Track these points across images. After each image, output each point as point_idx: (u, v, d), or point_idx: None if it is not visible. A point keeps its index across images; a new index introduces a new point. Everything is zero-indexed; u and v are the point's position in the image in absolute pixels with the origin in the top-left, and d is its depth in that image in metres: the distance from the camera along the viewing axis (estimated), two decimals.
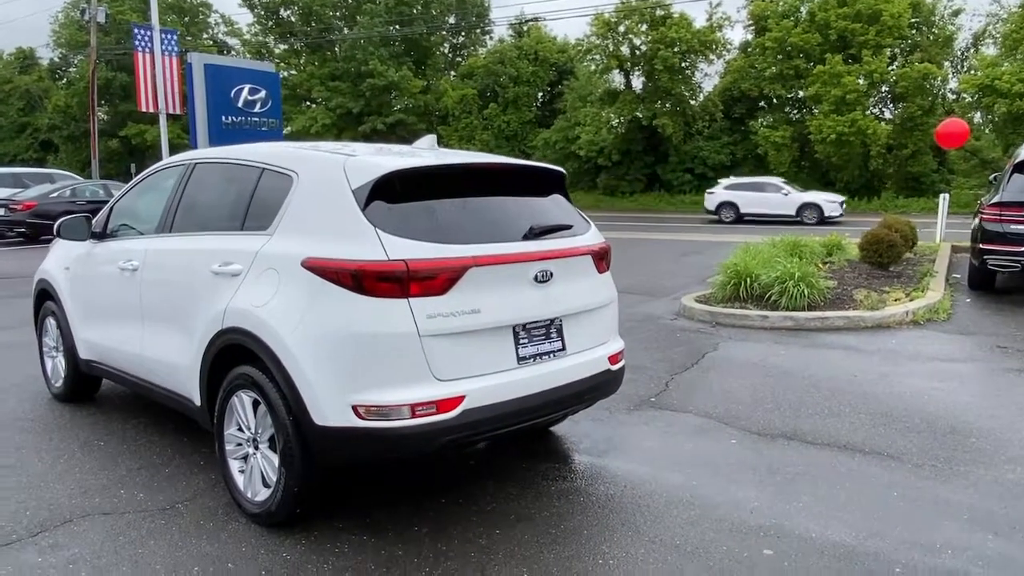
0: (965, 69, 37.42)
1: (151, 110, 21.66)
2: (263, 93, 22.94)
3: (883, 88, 35.39)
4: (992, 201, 9.13)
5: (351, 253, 3.07)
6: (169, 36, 22.00)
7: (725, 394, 5.39)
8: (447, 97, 42.71)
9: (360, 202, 3.17)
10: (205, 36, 46.91)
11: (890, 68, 34.31)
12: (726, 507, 3.58)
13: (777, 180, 28.22)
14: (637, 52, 36.96)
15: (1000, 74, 29.48)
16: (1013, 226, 8.77)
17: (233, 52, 45.36)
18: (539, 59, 43.80)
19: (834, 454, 4.24)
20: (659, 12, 35.65)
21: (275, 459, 3.31)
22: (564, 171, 3.94)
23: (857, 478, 3.92)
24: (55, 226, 4.81)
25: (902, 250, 10.00)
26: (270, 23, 44.17)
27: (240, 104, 22.15)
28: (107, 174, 33.51)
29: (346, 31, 43.39)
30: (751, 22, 37.76)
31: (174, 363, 3.96)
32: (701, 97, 38.51)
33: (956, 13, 36.12)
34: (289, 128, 39.33)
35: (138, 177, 4.79)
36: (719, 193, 27.27)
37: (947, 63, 36.96)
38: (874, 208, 32.67)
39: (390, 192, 3.22)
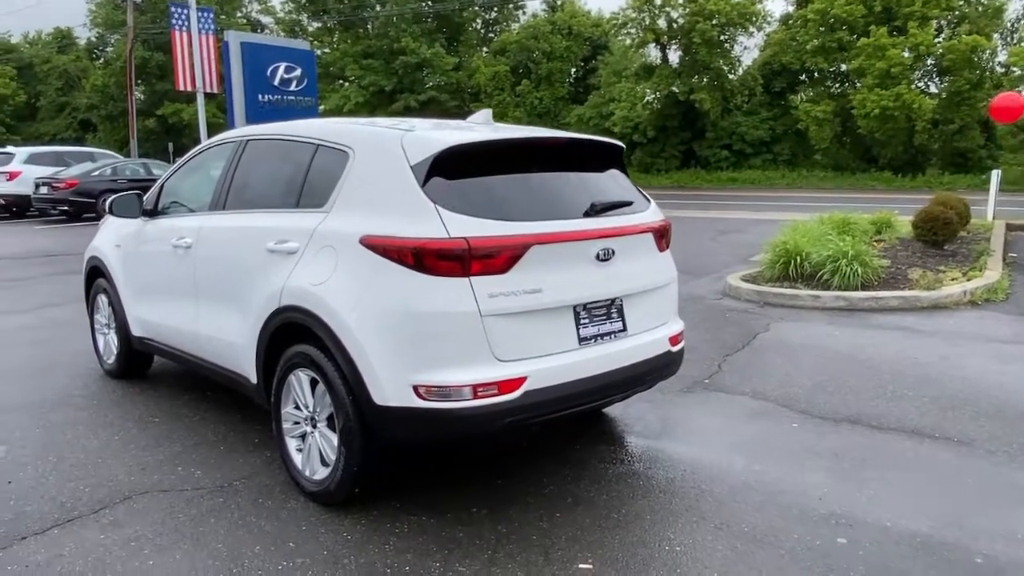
0: (1015, 41, 36.14)
1: (188, 89, 21.81)
2: (299, 71, 22.99)
3: (929, 61, 34.35)
4: None
5: (411, 231, 3.00)
6: (206, 14, 22.06)
7: (782, 377, 5.25)
8: (480, 74, 42.40)
9: (419, 178, 3.08)
10: (239, 15, 47.04)
11: (936, 40, 33.27)
12: (793, 493, 3.47)
13: None
14: (674, 25, 36.29)
15: None
16: None
17: (267, 30, 45.53)
18: (573, 34, 43.24)
19: (901, 439, 4.10)
20: None
21: (334, 438, 3.27)
22: (623, 145, 3.81)
23: (928, 464, 3.78)
24: (107, 203, 4.81)
25: (957, 228, 9.69)
26: (303, 1, 44.14)
27: (276, 82, 22.21)
28: (144, 153, 33.91)
29: (378, 8, 43.21)
30: None
31: (229, 341, 3.94)
32: (740, 71, 37.72)
33: None
34: (322, 107, 39.41)
35: (188, 155, 4.76)
36: None
37: (996, 35, 35.71)
38: (918, 185, 31.85)
39: (449, 168, 3.13)
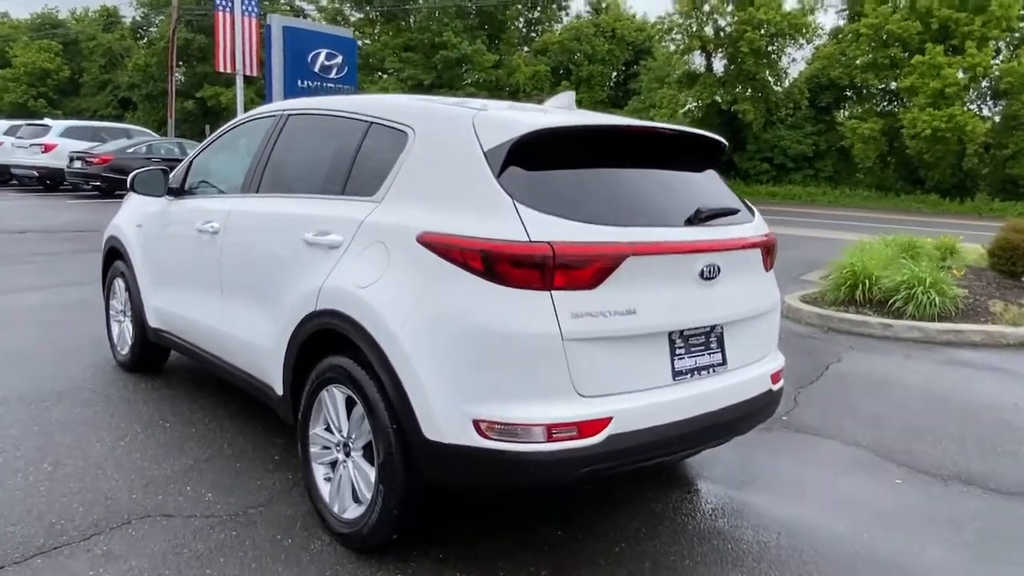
0: None
1: (228, 71, 21.52)
2: (339, 59, 22.64)
3: (983, 83, 33.24)
4: None
5: (481, 229, 2.45)
6: None
7: (870, 418, 4.63)
8: (519, 73, 41.86)
9: (494, 166, 2.54)
10: (283, 1, 46.96)
11: (994, 62, 32.17)
12: (919, 573, 2.87)
13: None
14: (721, 33, 35.51)
15: None
16: None
17: (309, 18, 45.36)
18: (616, 37, 42.59)
19: None
20: None
21: (371, 473, 2.73)
22: (725, 142, 3.24)
23: None
24: (129, 179, 4.32)
25: None
26: None
27: (316, 69, 21.88)
28: (182, 134, 33.79)
29: (421, 1, 42.91)
30: (844, 7, 35.87)
31: (254, 344, 3.43)
32: (786, 83, 36.82)
33: None
34: None
35: (221, 129, 4.26)
36: None
37: None
38: (966, 210, 30.76)
39: (530, 156, 2.58)
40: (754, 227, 3.07)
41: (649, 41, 41.12)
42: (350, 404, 2.84)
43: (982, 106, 34.65)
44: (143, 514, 3.05)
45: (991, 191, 32.44)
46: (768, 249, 3.12)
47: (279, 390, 3.26)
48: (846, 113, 36.20)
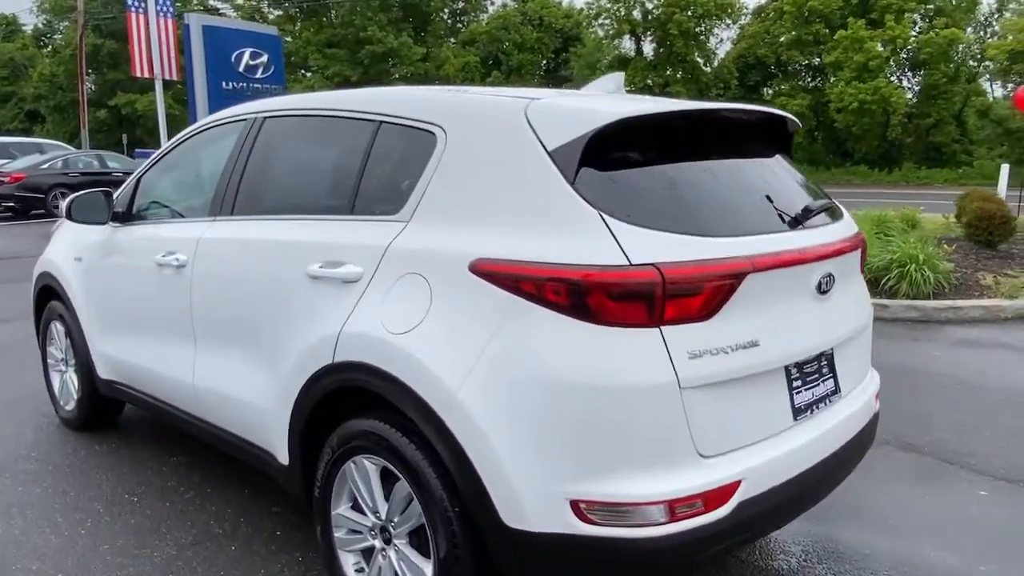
0: (988, 36, 36.13)
1: (145, 75, 20.23)
2: (265, 57, 21.54)
3: (902, 55, 34.10)
4: None
5: (561, 252, 1.91)
6: None
7: (913, 415, 4.26)
8: (449, 65, 41.12)
9: (565, 170, 1.99)
10: (195, 1, 44.93)
11: (912, 34, 33.02)
12: None
13: None
14: (649, 16, 35.50)
15: None
16: None
17: (225, 17, 43.53)
18: (544, 24, 42.26)
19: None
20: None
21: (426, 567, 2.16)
22: (798, 121, 2.75)
23: None
24: (64, 206, 3.58)
25: (1014, 227, 8.89)
26: None
27: (241, 69, 20.75)
28: (96, 145, 31.83)
29: None
30: None
31: (243, 402, 2.80)
32: (715, 64, 37.10)
33: None
34: None
35: (174, 140, 3.56)
36: None
37: (969, 29, 35.64)
38: (895, 179, 31.51)
39: (608, 154, 2.05)
40: (847, 224, 2.60)
41: (577, 27, 40.92)
42: (386, 476, 2.27)
43: (902, 77, 35.62)
44: None
45: (916, 160, 33.36)
46: (864, 250, 2.66)
47: (282, 458, 2.65)
48: (774, 90, 36.68)
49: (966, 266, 8.13)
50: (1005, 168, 14.77)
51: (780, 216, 2.24)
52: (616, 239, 1.88)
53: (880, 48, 32.43)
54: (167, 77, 20.29)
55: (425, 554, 2.16)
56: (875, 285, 7.31)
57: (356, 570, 2.42)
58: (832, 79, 33.70)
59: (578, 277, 1.86)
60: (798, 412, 2.19)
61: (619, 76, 2.81)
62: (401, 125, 2.43)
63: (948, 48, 31.85)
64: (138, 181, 3.64)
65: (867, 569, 2.74)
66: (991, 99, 35.37)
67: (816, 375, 2.29)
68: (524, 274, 1.93)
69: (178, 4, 40.72)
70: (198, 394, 3.08)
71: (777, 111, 2.56)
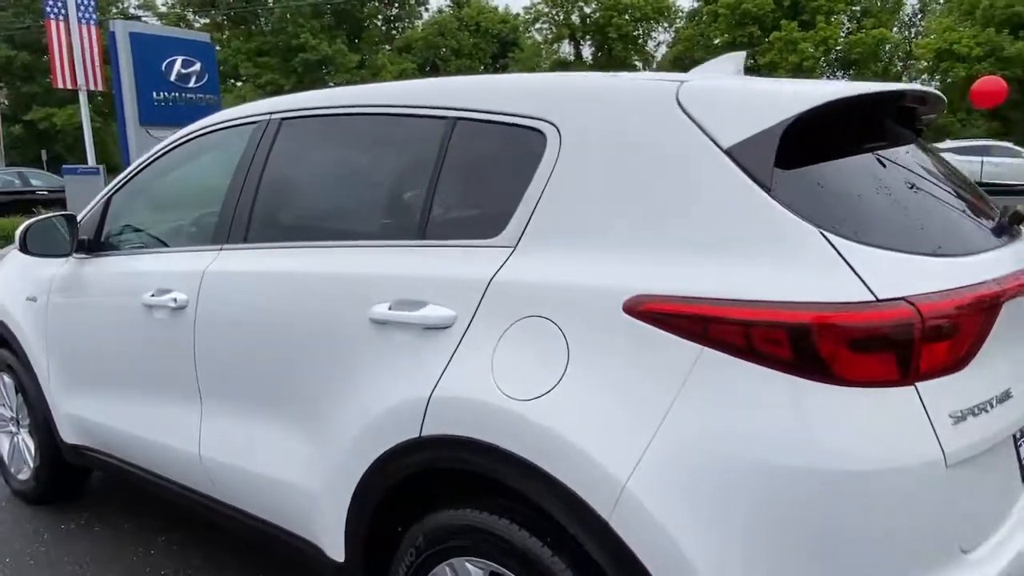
0: (913, 35, 37.39)
1: (68, 86, 18.95)
2: (198, 66, 20.54)
3: (833, 55, 35.01)
4: None
5: (778, 286, 1.39)
6: (86, 2, 19.28)
7: None
8: (385, 72, 40.38)
9: (757, 174, 1.48)
10: (115, 10, 42.94)
11: (841, 34, 33.92)
12: None
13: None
14: (588, 20, 35.51)
15: (959, 38, 29.21)
16: None
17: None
18: (481, 30, 41.88)
19: None
20: None
21: None
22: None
23: None
24: (18, 235, 2.88)
25: None
26: None
27: (173, 78, 19.72)
28: (12, 162, 29.95)
29: (272, 2, 40.51)
30: None
31: (277, 480, 2.19)
32: (654, 67, 37.35)
33: None
34: None
35: (152, 153, 2.89)
36: None
37: (895, 29, 36.83)
38: None
39: (805, 152, 1.54)
40: None
41: (515, 32, 40.65)
42: None
43: (834, 77, 36.55)
44: None
45: None
46: None
47: (334, 553, 2.06)
48: None
49: None
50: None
51: (981, 224, 1.78)
52: (850, 265, 1.38)
53: (812, 49, 33.19)
54: (91, 88, 19.11)
55: None
56: None
57: None
58: None
59: (808, 320, 1.35)
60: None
61: (739, 56, 2.32)
62: (487, 122, 1.88)
63: (877, 47, 32.81)
64: (107, 202, 2.98)
65: None
66: None
67: None
68: (718, 316, 1.41)
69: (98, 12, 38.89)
70: (207, 469, 2.45)
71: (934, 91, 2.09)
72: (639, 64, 36.22)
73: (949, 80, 30.63)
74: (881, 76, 33.43)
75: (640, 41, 35.84)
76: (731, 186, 1.50)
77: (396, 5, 44.51)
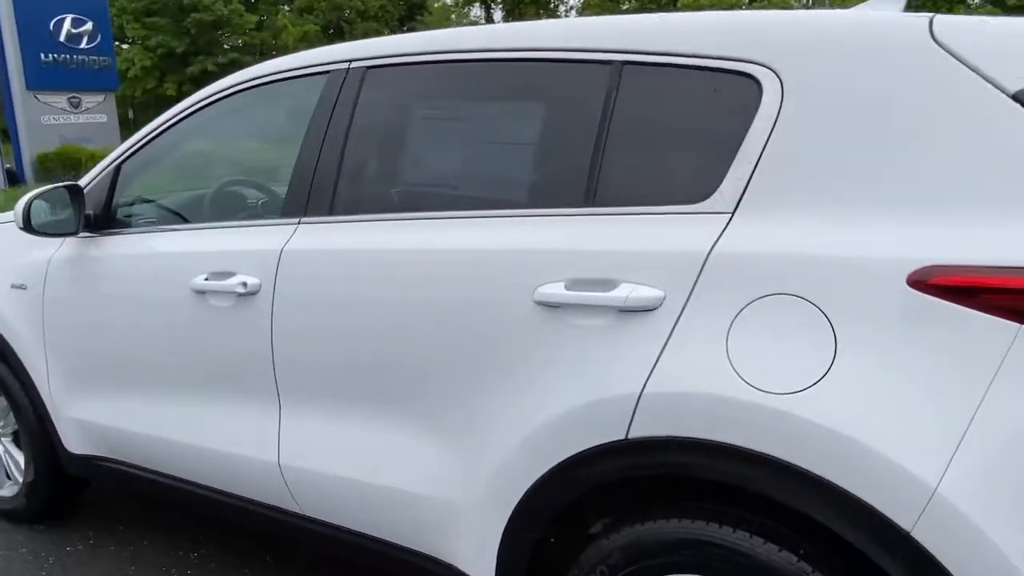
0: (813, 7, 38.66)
1: None
2: (89, 25, 19.06)
3: None
4: None
5: None
6: None
7: None
8: (287, 34, 38.56)
9: None
10: None
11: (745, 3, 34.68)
12: None
13: None
14: None
15: None
16: None
17: None
18: None
19: None
20: None
21: None
22: None
23: None
24: (20, 209, 2.38)
25: None
26: None
27: (62, 38, 18.22)
28: None
29: None
30: None
31: (399, 490, 1.88)
32: None
33: None
34: None
35: (177, 111, 2.42)
36: None
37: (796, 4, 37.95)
38: None
39: None
40: None
41: None
42: None
43: None
44: None
45: None
46: None
47: (479, 572, 1.78)
48: None
49: None
50: None
51: None
52: None
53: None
54: None
55: None
56: None
57: None
58: None
59: None
60: None
61: None
62: (672, 66, 1.62)
63: None
64: (117, 170, 2.51)
65: None
66: None
67: None
68: None
69: None
70: (290, 479, 2.10)
71: None
72: None
73: None
74: None
75: (552, 5, 35.51)
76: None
77: None
